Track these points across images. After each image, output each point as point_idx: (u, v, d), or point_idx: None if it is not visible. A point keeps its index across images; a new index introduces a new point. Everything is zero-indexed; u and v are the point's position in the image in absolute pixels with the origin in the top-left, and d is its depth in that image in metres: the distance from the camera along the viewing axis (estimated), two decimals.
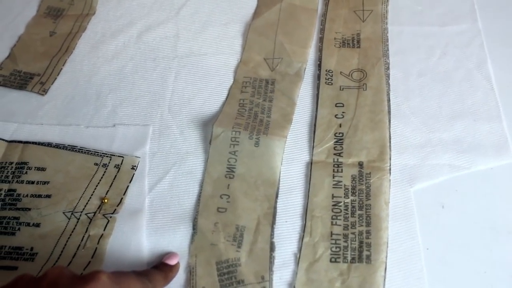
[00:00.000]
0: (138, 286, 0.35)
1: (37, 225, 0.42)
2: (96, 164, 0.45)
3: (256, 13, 0.57)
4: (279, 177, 0.44)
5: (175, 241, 0.42)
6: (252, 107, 0.48)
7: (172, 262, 0.40)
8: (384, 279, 0.38)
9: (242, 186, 0.43)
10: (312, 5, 0.57)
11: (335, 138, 0.46)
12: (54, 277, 0.32)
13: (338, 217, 0.41)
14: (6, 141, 0.47)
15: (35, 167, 0.46)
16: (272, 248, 0.41)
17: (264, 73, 0.51)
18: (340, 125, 0.46)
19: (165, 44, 0.55)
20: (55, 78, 0.53)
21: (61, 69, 0.53)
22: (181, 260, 0.41)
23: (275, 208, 0.42)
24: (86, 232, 0.42)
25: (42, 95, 0.51)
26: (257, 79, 0.51)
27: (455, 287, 0.39)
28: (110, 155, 0.46)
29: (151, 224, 0.43)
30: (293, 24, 0.55)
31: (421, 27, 0.54)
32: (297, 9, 0.57)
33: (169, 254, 0.41)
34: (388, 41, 0.53)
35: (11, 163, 0.46)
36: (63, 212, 0.43)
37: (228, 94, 0.50)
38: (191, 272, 0.40)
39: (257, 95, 0.49)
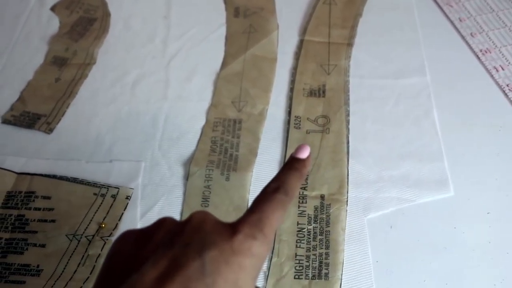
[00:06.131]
0: (278, 214, 0.29)
1: (43, 245, 0.48)
2: (95, 194, 0.51)
3: (224, 64, 0.64)
4: (248, 203, 0.50)
5: None
6: (222, 143, 0.55)
7: (304, 155, 0.33)
8: None
9: (216, 213, 0.48)
10: (272, 55, 0.64)
11: None
12: (198, 221, 0.28)
13: (302, 241, 0.48)
14: (16, 173, 0.53)
15: (41, 196, 0.51)
16: None
17: (232, 114, 0.58)
18: None
19: (157, 89, 0.61)
20: (60, 119, 0.58)
21: (65, 111, 0.59)
22: None
23: None
24: (85, 252, 0.47)
25: (48, 133, 0.57)
26: (226, 119, 0.57)
27: None
28: (107, 186, 0.52)
29: None
30: (255, 72, 0.62)
31: (377, 80, 0.61)
32: (259, 59, 0.64)
33: (300, 147, 0.34)
34: (349, 91, 0.59)
35: (20, 192, 0.52)
36: (66, 235, 0.48)
37: (201, 133, 0.56)
38: None
39: (227, 132, 0.56)
